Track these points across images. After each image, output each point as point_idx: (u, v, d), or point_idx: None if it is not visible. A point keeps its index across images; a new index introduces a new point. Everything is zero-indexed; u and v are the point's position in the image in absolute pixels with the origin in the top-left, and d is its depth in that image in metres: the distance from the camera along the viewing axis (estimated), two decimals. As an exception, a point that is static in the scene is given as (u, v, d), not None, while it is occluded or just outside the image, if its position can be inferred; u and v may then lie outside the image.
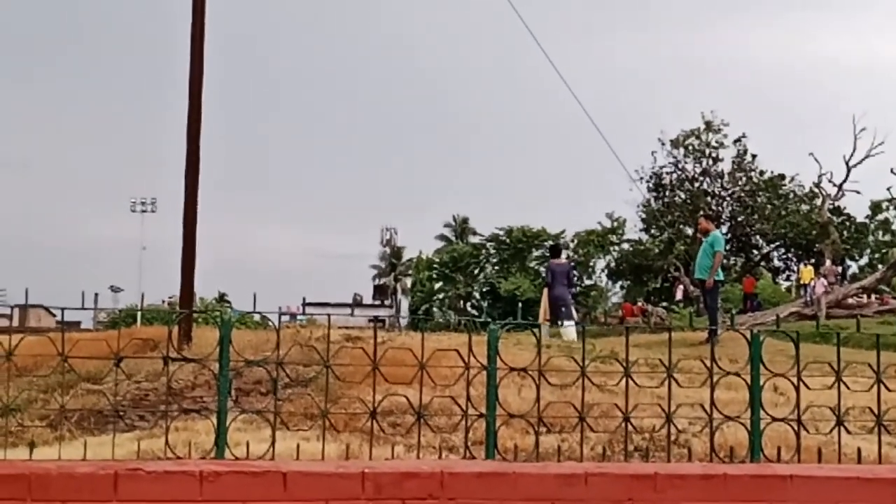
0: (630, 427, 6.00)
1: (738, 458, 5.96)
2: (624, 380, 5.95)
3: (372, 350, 5.77)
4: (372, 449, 5.90)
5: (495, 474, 5.36)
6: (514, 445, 5.99)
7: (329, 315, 8.23)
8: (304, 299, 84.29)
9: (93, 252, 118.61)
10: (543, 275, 20.98)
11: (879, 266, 56.94)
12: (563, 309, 20.00)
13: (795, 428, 6.07)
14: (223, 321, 5.64)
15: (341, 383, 6.33)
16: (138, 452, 5.72)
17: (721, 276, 19.15)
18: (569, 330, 18.50)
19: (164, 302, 63.29)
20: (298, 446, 5.68)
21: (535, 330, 7.42)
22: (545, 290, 21.23)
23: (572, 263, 28.08)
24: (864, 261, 71.24)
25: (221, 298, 71.17)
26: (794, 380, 6.08)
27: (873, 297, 39.85)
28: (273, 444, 5.52)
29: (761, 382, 6.03)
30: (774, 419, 6.05)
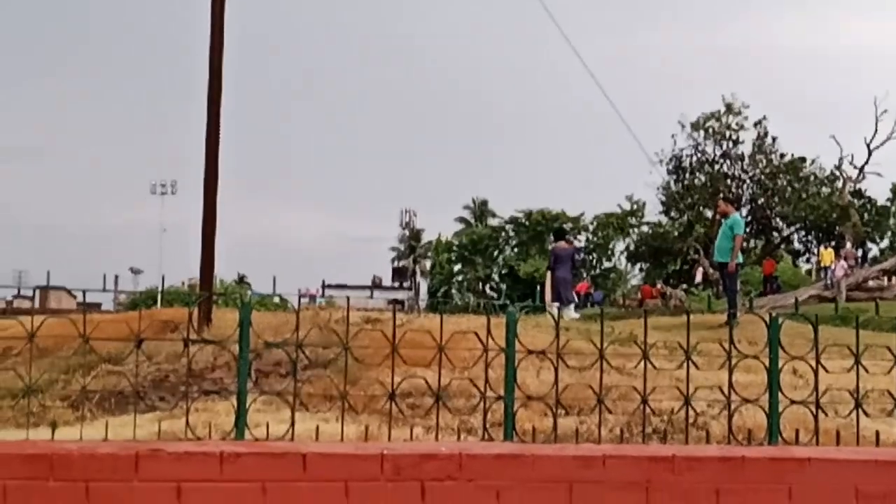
0: (648, 409, 6.01)
1: (757, 441, 5.95)
2: (643, 362, 5.94)
3: (391, 332, 5.78)
4: (391, 430, 5.92)
5: (513, 456, 5.37)
6: (533, 427, 6.00)
7: (348, 297, 8.24)
8: (323, 281, 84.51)
9: (113, 235, 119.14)
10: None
11: (900, 249, 56.72)
12: (566, 291, 20.57)
13: (814, 411, 6.05)
14: (243, 303, 5.66)
15: (360, 365, 6.34)
16: (159, 433, 5.77)
17: (741, 259, 19.09)
18: (571, 313, 18.67)
19: (183, 284, 63.54)
20: (318, 428, 5.71)
21: (553, 312, 7.43)
22: (548, 273, 21.66)
23: (575, 247, 28.53)
24: (884, 243, 70.93)
25: (241, 280, 71.52)
26: (813, 363, 6.07)
27: (894, 279, 39.64)
28: (292, 425, 5.55)
29: (780, 365, 6.02)
30: (793, 402, 6.04)
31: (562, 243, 22.58)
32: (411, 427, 6.33)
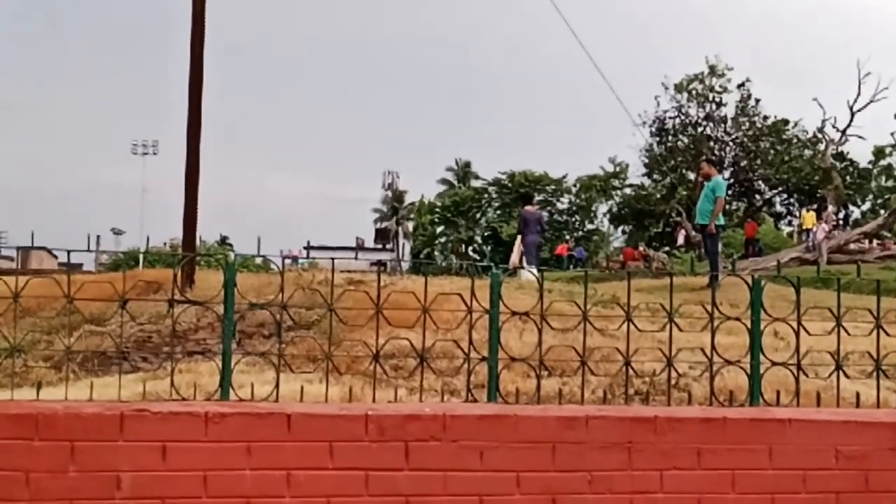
0: (631, 371, 6.05)
1: (738, 402, 6.01)
2: (625, 324, 5.97)
3: (374, 293, 5.79)
4: (375, 392, 5.95)
5: (497, 417, 5.40)
6: (516, 389, 6.04)
7: (333, 259, 8.23)
8: (308, 242, 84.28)
9: (95, 195, 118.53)
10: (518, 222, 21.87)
11: (882, 211, 56.89)
12: (534, 254, 21.25)
13: (795, 372, 6.11)
14: (227, 264, 5.65)
15: (344, 327, 6.36)
16: (144, 393, 5.76)
17: (722, 222, 19.14)
18: (528, 275, 18.90)
19: (165, 244, 63.31)
20: (302, 388, 5.72)
21: (533, 272, 7.40)
22: (518, 237, 22.16)
23: (543, 211, 29.36)
24: (866, 206, 71.26)
25: (223, 241, 71.28)
26: (794, 325, 6.12)
27: (875, 242, 39.79)
28: (277, 386, 5.56)
29: (762, 327, 6.07)
30: (774, 363, 6.10)
31: (529, 207, 23.15)
32: (396, 389, 6.35)
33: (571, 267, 48.35)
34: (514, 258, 22.01)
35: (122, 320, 7.50)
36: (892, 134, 52.15)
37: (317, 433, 5.15)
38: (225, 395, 5.46)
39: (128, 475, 4.91)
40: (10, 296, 5.35)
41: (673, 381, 6.24)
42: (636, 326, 6.02)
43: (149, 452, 4.94)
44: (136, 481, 4.91)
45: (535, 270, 19.76)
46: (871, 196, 72.35)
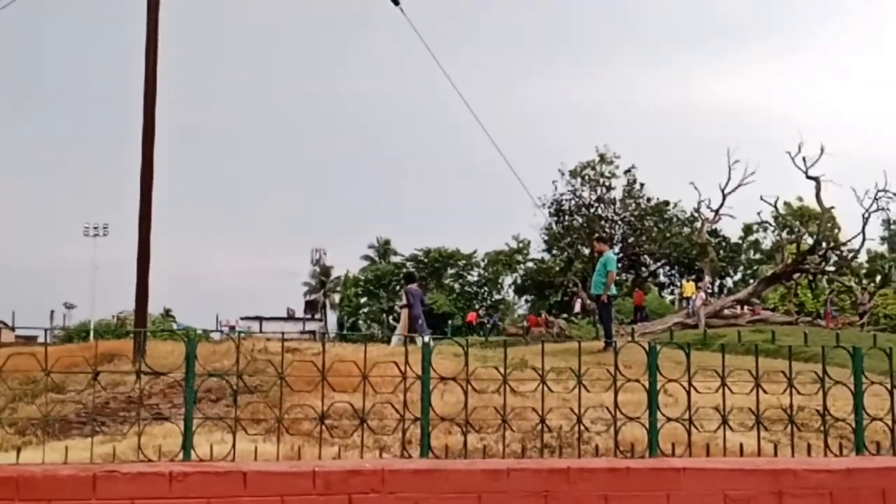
0: (544, 427, 6.13)
1: (639, 454, 6.12)
2: (540, 386, 6.08)
3: (315, 361, 5.85)
4: (321, 449, 5.97)
5: (430, 471, 5.44)
6: (445, 445, 6.11)
7: (283, 333, 8.26)
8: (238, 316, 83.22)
9: (50, 272, 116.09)
10: (404, 298, 22.78)
11: (751, 281, 58.21)
12: (420, 323, 21.98)
13: (687, 427, 6.24)
14: (189, 339, 5.68)
15: (287, 390, 6.40)
16: (114, 455, 5.73)
17: (614, 292, 19.44)
18: (427, 340, 19.25)
19: (113, 317, 62.15)
20: (256, 448, 5.73)
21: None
22: (404, 311, 22.84)
23: (423, 290, 30.52)
24: (738, 276, 72.79)
25: (167, 314, 70.21)
26: (686, 384, 6.27)
27: (746, 308, 40.55)
28: (233, 446, 5.56)
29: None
30: (669, 419, 6.22)
31: (413, 286, 23.86)
32: (340, 447, 6.38)
33: (483, 332, 48.52)
34: (402, 328, 22.67)
35: (84, 389, 7.43)
36: (758, 213, 53.62)
37: (270, 488, 5.16)
38: (187, 455, 5.45)
39: (100, 531, 4.87)
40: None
41: (580, 436, 6.34)
42: (549, 388, 6.13)
43: (119, 510, 4.91)
44: (108, 536, 4.88)
45: (426, 337, 20.18)
46: (741, 267, 74.06)
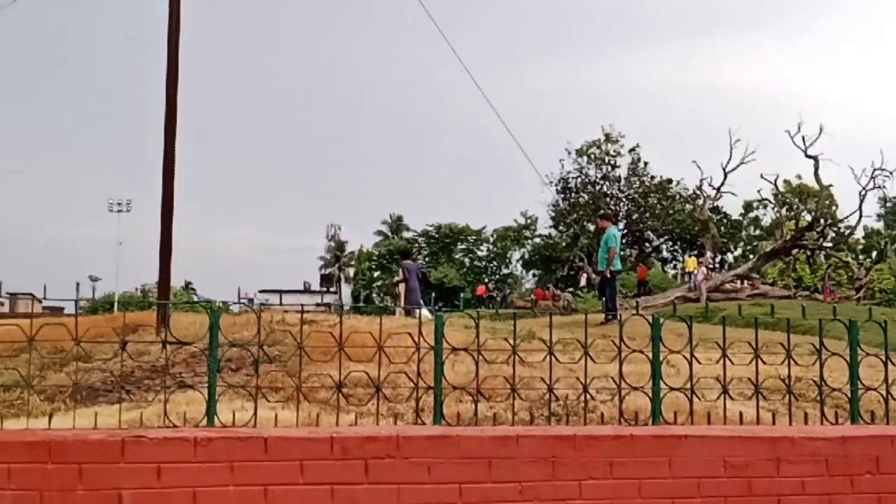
0: (552, 396, 6.17)
1: (642, 422, 6.15)
2: (548, 357, 6.11)
3: (332, 332, 5.88)
4: (338, 417, 6.02)
5: (442, 437, 5.48)
6: (457, 413, 6.15)
7: (301, 304, 8.31)
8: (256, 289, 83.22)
9: (75, 247, 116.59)
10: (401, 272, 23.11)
11: (751, 256, 58.09)
12: (416, 298, 21.98)
13: (689, 396, 6.28)
14: (213, 311, 5.72)
15: (306, 360, 6.44)
16: (141, 421, 5.78)
17: (619, 267, 19.42)
18: (425, 312, 19.24)
19: (136, 289, 62.34)
20: (276, 415, 5.78)
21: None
22: (402, 285, 22.91)
23: (420, 264, 30.60)
24: (738, 252, 72.67)
25: (188, 286, 70.33)
26: (688, 355, 6.30)
27: (746, 282, 40.46)
28: (255, 413, 5.62)
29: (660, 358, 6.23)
30: (672, 388, 6.26)
31: (409, 261, 24.00)
32: (356, 415, 6.43)
33: (493, 305, 48.53)
34: (403, 300, 22.82)
35: (111, 358, 7.48)
36: (758, 191, 53.47)
37: (289, 453, 5.20)
38: (210, 421, 5.50)
39: (128, 493, 4.93)
40: (27, 338, 5.35)
41: (586, 404, 6.38)
42: (556, 358, 6.17)
43: (146, 473, 4.96)
44: (136, 498, 4.93)
45: (425, 311, 20.21)
46: (742, 243, 73.91)
